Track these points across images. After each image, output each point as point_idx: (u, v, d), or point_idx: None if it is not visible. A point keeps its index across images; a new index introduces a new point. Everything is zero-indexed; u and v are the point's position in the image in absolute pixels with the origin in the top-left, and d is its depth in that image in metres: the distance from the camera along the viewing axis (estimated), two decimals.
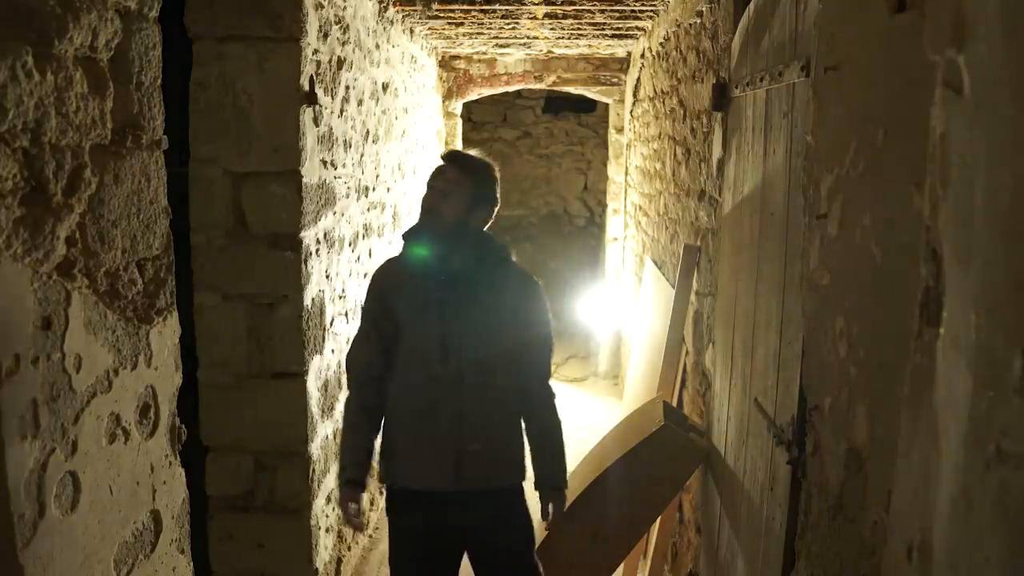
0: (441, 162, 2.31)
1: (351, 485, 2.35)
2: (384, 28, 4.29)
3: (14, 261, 1.13)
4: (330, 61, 3.17)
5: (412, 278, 2.30)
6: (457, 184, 2.24)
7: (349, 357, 2.43)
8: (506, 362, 2.32)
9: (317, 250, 3.07)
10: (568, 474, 2.48)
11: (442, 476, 2.27)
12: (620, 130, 7.19)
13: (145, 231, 1.48)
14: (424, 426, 2.27)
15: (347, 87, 3.47)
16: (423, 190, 2.30)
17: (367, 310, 2.38)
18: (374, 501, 4.28)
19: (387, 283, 2.34)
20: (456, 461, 2.26)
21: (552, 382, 2.47)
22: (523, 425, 2.40)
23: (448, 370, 2.23)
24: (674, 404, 3.37)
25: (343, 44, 3.37)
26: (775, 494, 1.86)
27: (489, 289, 2.29)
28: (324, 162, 3.13)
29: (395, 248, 4.80)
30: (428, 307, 2.24)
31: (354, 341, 2.40)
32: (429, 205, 2.25)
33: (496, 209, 2.36)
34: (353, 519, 2.36)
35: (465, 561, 2.44)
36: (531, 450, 2.40)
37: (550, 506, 2.40)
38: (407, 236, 2.34)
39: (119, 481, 1.40)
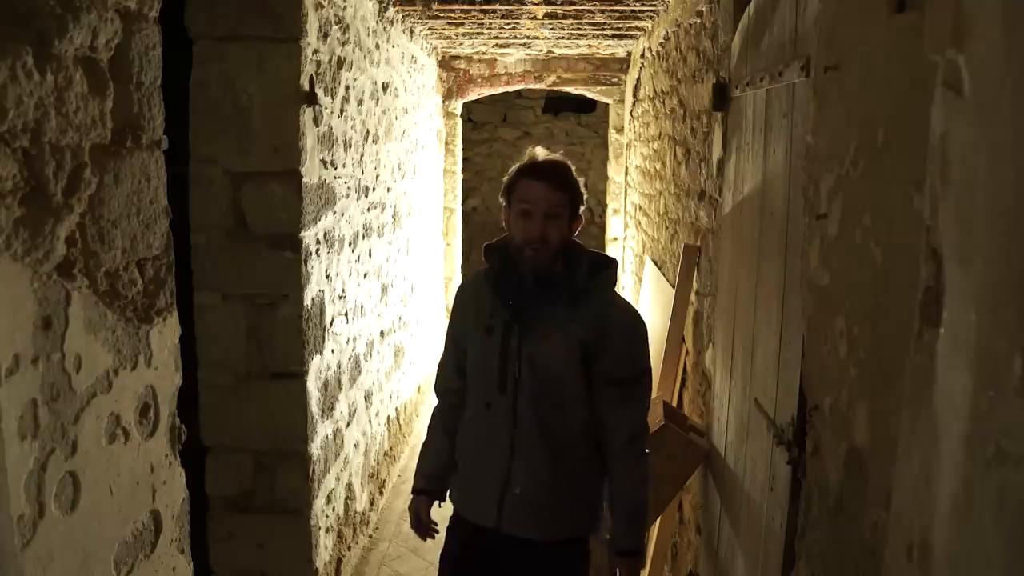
0: (527, 177, 2.06)
1: (415, 493, 2.29)
2: (384, 28, 4.29)
3: (14, 261, 1.13)
4: (330, 61, 3.17)
5: (487, 296, 2.13)
6: (560, 206, 2.03)
7: (438, 367, 2.33)
8: (575, 404, 2.08)
9: (317, 250, 3.07)
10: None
11: (485, 513, 2.13)
12: (620, 130, 7.19)
13: (145, 231, 1.48)
14: (478, 455, 2.16)
15: (347, 87, 3.47)
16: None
17: (449, 324, 2.27)
18: (374, 501, 4.28)
19: (466, 298, 2.22)
20: (499, 500, 2.10)
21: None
22: (601, 477, 2.16)
23: (504, 401, 2.07)
24: (674, 404, 3.37)
25: (343, 44, 3.37)
26: (775, 494, 1.86)
27: (562, 318, 2.05)
28: (324, 162, 3.13)
29: (395, 248, 4.81)
30: (494, 330, 2.08)
31: (443, 354, 2.31)
32: (531, 232, 2.01)
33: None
34: (417, 527, 2.28)
35: None
36: (609, 507, 2.16)
37: (617, 572, 2.14)
38: (488, 250, 2.16)
39: (119, 481, 1.40)
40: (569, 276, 2.08)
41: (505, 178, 2.12)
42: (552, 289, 2.06)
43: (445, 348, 2.29)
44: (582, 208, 2.11)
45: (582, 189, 2.10)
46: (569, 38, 5.79)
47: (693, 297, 3.32)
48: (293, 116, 2.81)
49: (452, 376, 2.25)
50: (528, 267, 2.05)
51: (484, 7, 4.53)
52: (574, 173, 2.10)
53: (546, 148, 2.17)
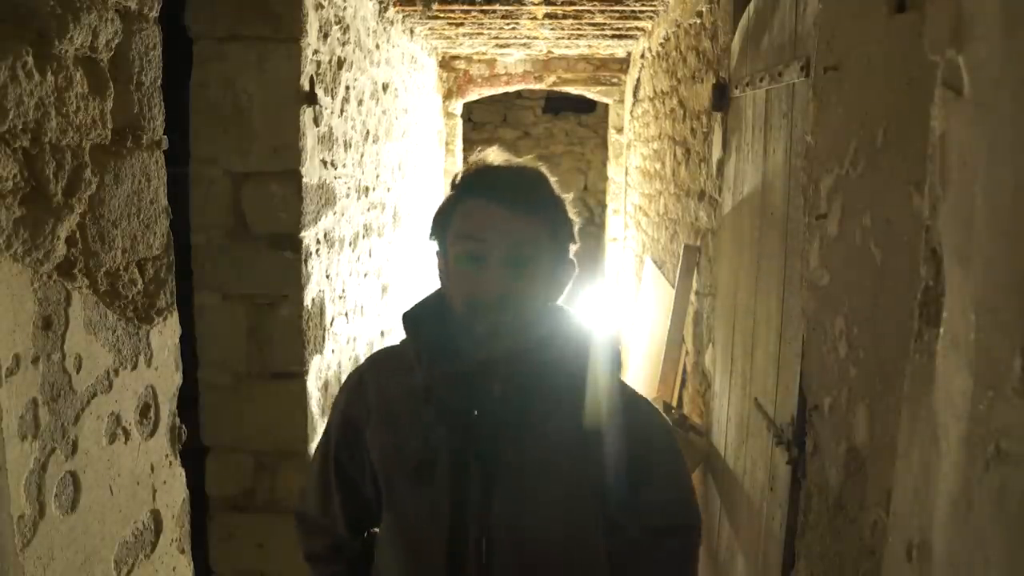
0: (474, 194, 1.18)
1: None
2: (384, 28, 4.29)
3: (14, 261, 1.13)
4: (330, 61, 3.17)
5: (414, 407, 1.22)
6: (535, 244, 1.16)
7: (302, 497, 1.42)
8: (591, 567, 1.26)
9: (317, 250, 3.07)
10: None
11: None
12: (620, 130, 7.19)
13: (145, 231, 1.48)
14: None
15: (347, 87, 3.47)
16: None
17: (327, 443, 1.33)
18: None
19: (368, 404, 1.27)
20: None
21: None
22: None
23: None
24: (674, 404, 3.37)
25: (343, 44, 3.37)
26: (775, 494, 1.86)
27: (559, 443, 1.20)
28: (324, 162, 3.13)
29: (396, 248, 4.80)
30: (434, 472, 1.20)
31: (309, 477, 1.40)
32: (485, 291, 1.14)
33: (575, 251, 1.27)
34: None
35: None
36: None
37: None
38: (414, 322, 1.27)
39: (119, 481, 1.40)
40: (563, 367, 1.21)
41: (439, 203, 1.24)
42: (538, 393, 1.20)
43: (321, 485, 1.34)
44: (573, 249, 1.24)
45: (570, 214, 1.23)
46: (569, 38, 5.79)
47: (693, 297, 3.32)
48: (293, 116, 2.81)
49: (336, 513, 1.34)
50: (486, 354, 1.18)
51: (484, 7, 4.53)
52: (555, 187, 1.22)
53: (506, 152, 1.26)
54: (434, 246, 1.25)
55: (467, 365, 1.20)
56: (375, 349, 4.22)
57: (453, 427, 1.19)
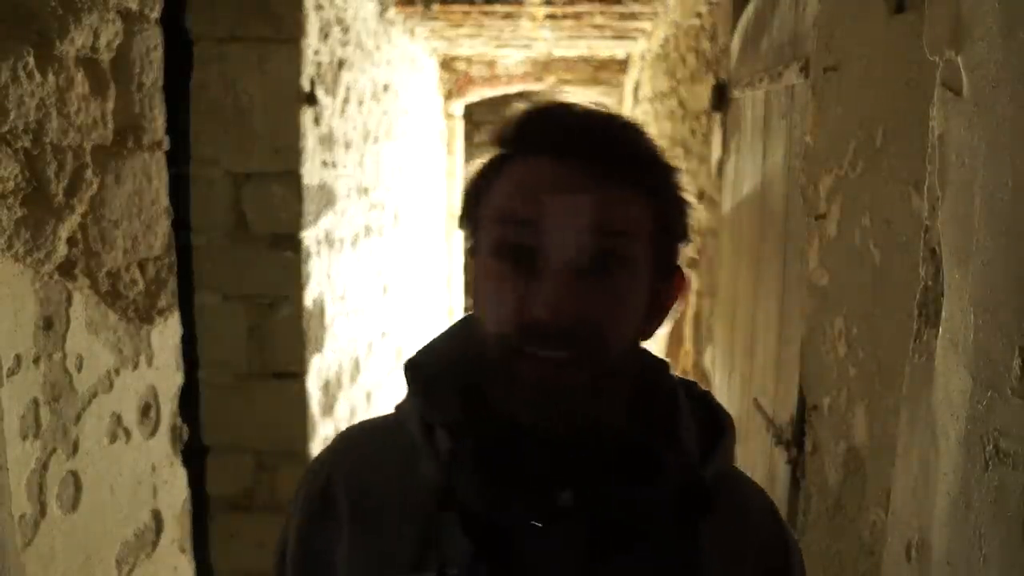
0: (528, 151, 0.67)
1: None
2: (385, 29, 4.30)
3: (16, 261, 1.13)
4: (331, 62, 3.18)
5: (412, 519, 0.69)
6: (626, 233, 0.65)
7: None
8: None
9: (318, 250, 3.08)
10: None
11: None
12: None
13: (146, 231, 1.48)
14: None
15: (348, 88, 3.47)
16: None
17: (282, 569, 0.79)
18: None
19: (332, 517, 0.75)
20: None
21: None
22: None
23: None
24: None
25: (344, 45, 3.38)
26: (774, 494, 1.86)
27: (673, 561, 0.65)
28: (325, 162, 3.14)
29: (396, 248, 4.80)
30: None
31: None
32: (530, 309, 0.62)
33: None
34: None
35: None
36: None
37: None
38: (424, 374, 0.72)
39: (120, 481, 1.40)
40: (670, 453, 0.68)
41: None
42: (637, 497, 0.66)
43: None
44: (682, 247, 0.75)
45: (681, 188, 0.73)
46: (569, 39, 5.80)
47: (693, 297, 3.32)
48: (293, 117, 2.81)
49: None
50: (543, 417, 0.64)
51: (484, 8, 4.53)
52: (655, 145, 0.73)
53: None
54: (464, 242, 0.73)
55: (512, 437, 0.66)
56: (375, 350, 4.22)
57: (490, 551, 0.65)
